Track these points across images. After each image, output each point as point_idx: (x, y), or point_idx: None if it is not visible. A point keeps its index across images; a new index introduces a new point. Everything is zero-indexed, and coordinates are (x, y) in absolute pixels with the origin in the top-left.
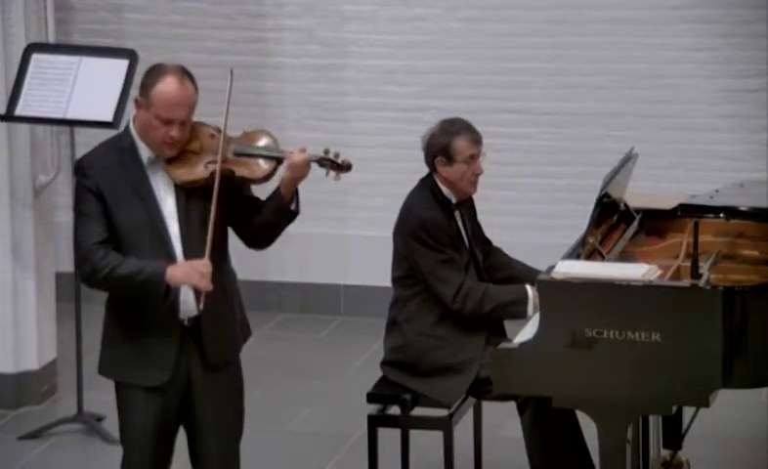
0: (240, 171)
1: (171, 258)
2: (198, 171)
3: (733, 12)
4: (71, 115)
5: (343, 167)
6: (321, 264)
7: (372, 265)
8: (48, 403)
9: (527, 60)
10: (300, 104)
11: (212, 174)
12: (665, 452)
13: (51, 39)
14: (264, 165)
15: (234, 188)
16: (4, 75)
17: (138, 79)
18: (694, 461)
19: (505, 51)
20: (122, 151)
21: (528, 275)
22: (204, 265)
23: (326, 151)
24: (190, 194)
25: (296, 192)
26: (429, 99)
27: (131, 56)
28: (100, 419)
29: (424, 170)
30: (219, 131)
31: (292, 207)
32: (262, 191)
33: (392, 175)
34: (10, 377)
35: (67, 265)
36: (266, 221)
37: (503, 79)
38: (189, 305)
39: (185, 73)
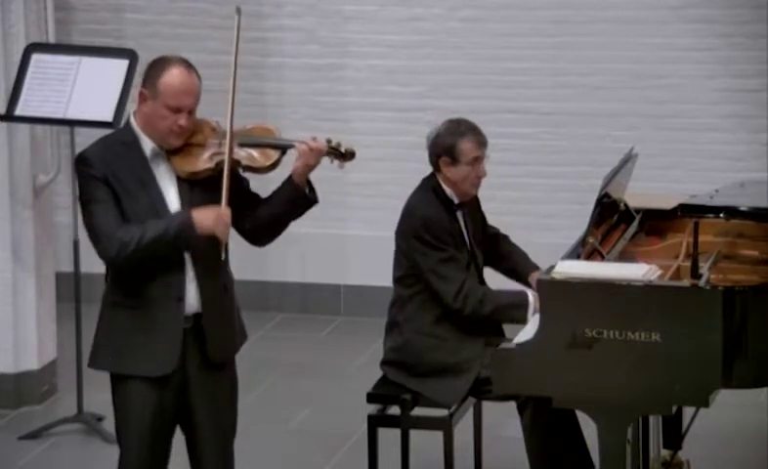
0: (246, 161)
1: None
2: (204, 162)
3: (733, 12)
4: (71, 115)
5: (347, 156)
6: (321, 264)
7: (372, 265)
8: (48, 403)
9: (527, 60)
10: (300, 104)
11: (217, 165)
12: (665, 452)
13: (51, 39)
14: (269, 155)
15: (237, 182)
16: (4, 75)
17: (140, 79)
18: (694, 461)
19: (505, 51)
20: (124, 145)
21: (524, 267)
22: (227, 214)
23: (329, 141)
24: (192, 186)
25: (308, 181)
26: (429, 99)
27: (131, 56)
28: (100, 419)
29: (424, 170)
30: (219, 124)
31: (308, 194)
32: (261, 183)
33: (392, 175)
34: (10, 377)
35: (67, 265)
36: (279, 212)
37: (503, 79)
38: (191, 303)
39: (189, 64)
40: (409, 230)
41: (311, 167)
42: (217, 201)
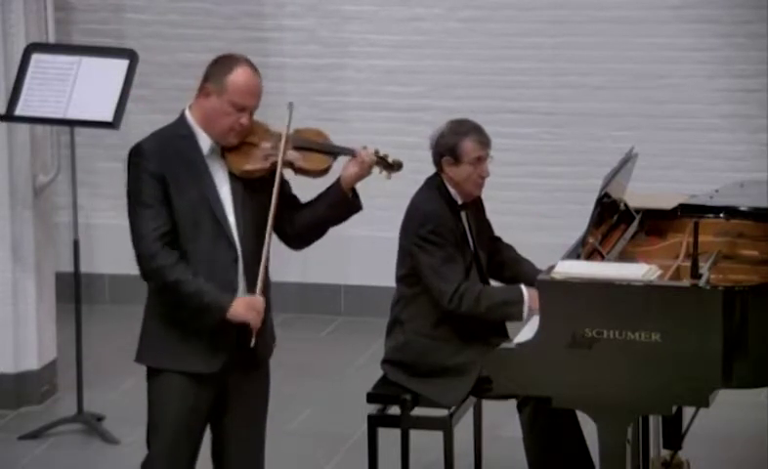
0: (300, 163)
1: (231, 246)
2: (258, 162)
3: (733, 12)
4: (71, 115)
5: (394, 166)
6: (322, 264)
7: (372, 265)
8: (48, 403)
9: (527, 60)
10: (300, 104)
11: (272, 165)
12: (665, 452)
13: (51, 39)
14: (323, 159)
15: (281, 185)
16: (4, 75)
17: (140, 79)
18: (694, 461)
19: (505, 51)
20: (181, 139)
21: (533, 275)
22: (261, 303)
23: (377, 151)
24: (245, 185)
25: (354, 188)
26: (429, 99)
27: (131, 56)
28: (100, 419)
29: (424, 170)
30: (272, 126)
31: (352, 200)
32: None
33: (392, 175)
34: (10, 377)
35: (67, 265)
36: (323, 216)
37: (503, 79)
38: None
39: (254, 65)
40: (412, 227)
41: (361, 176)
42: (267, 202)
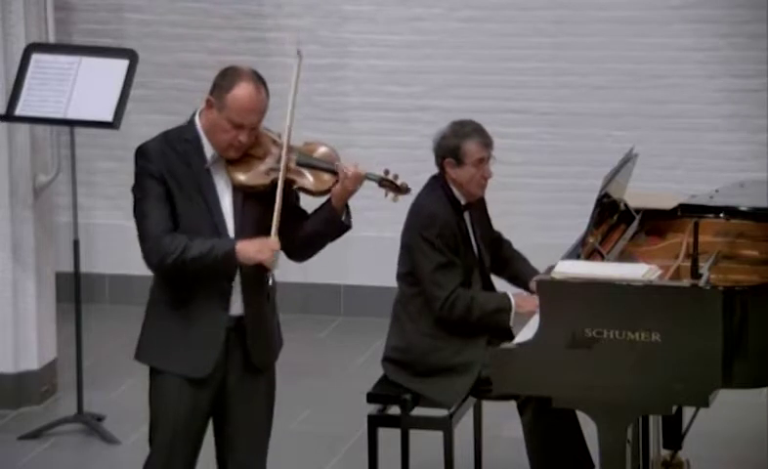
0: (301, 182)
1: None
2: (260, 177)
3: (733, 12)
4: (71, 115)
5: (402, 189)
6: (322, 264)
7: (372, 265)
8: (48, 403)
9: (527, 60)
10: (300, 104)
11: (273, 181)
12: (665, 452)
13: (51, 39)
14: (324, 177)
15: (287, 197)
16: (4, 75)
17: (140, 79)
18: (694, 461)
19: (505, 51)
20: (186, 144)
21: (525, 274)
22: (275, 243)
23: (386, 172)
24: (246, 196)
25: (347, 206)
26: (429, 99)
27: (131, 56)
28: (100, 419)
29: (424, 170)
30: (280, 137)
31: (343, 219)
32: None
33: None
34: (10, 377)
35: (67, 265)
36: (314, 232)
37: (503, 79)
38: (236, 306)
39: (259, 79)
40: (415, 227)
41: (349, 192)
42: (269, 214)
